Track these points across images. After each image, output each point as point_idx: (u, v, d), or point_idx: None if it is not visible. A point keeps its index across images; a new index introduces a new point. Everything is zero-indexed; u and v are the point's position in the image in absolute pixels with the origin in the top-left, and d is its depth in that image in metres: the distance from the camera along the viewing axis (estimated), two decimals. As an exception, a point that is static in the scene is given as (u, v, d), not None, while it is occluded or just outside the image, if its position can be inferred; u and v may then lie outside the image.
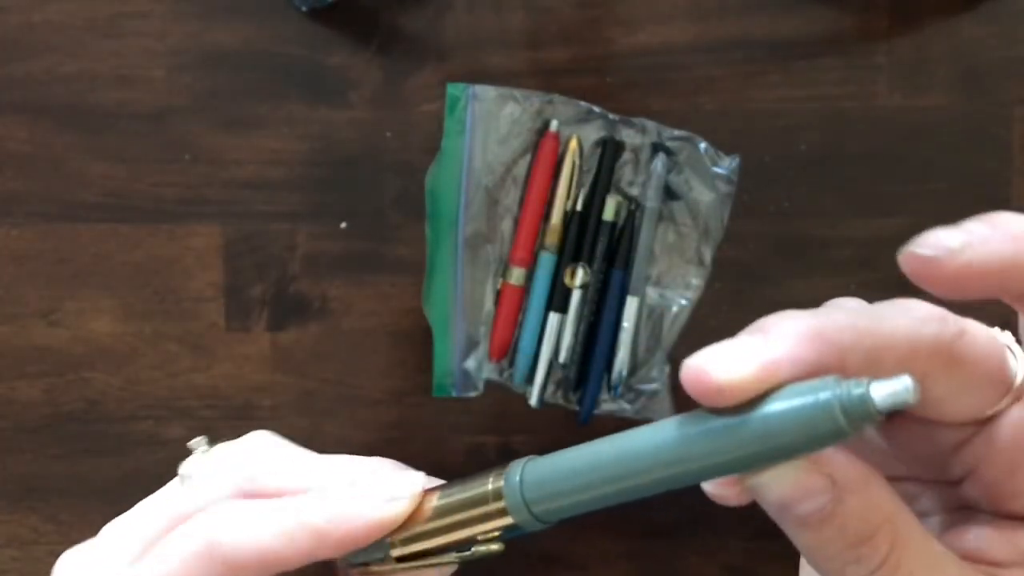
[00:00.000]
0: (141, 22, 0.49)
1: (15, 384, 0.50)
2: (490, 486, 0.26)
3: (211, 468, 0.29)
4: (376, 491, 0.26)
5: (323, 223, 0.49)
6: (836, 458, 0.22)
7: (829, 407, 0.21)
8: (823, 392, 0.21)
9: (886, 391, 0.20)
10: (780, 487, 0.22)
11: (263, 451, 0.30)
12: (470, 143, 0.48)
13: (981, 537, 0.24)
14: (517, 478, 0.25)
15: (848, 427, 0.21)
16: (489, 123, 0.47)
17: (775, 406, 0.21)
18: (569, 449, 0.25)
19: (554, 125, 0.48)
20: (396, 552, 0.27)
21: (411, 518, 0.26)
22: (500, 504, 0.25)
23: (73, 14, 0.49)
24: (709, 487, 0.25)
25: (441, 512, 0.26)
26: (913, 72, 0.49)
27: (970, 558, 0.24)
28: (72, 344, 0.49)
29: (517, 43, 0.48)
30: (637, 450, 0.24)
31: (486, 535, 0.26)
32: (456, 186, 0.48)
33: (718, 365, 0.22)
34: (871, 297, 0.25)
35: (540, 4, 0.48)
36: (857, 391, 0.21)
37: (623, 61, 0.48)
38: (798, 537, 0.23)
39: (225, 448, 0.30)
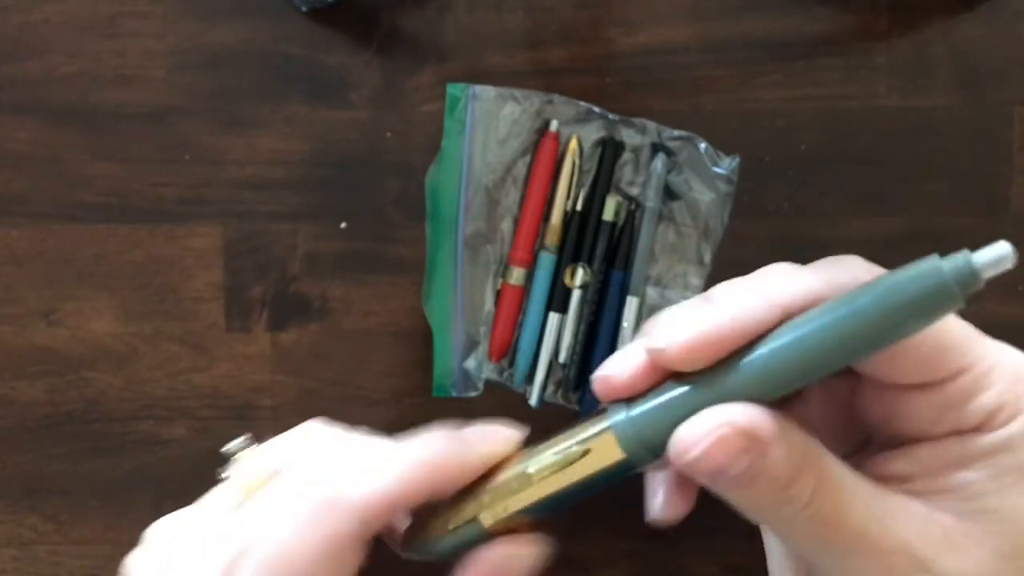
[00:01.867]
0: (141, 22, 0.49)
1: (15, 384, 0.50)
2: (592, 430, 0.27)
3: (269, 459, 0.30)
4: (480, 432, 0.29)
5: (323, 223, 0.49)
6: (754, 416, 0.24)
7: (939, 275, 0.23)
8: (930, 265, 0.23)
9: (988, 256, 0.23)
10: (712, 456, 0.24)
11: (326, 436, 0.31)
12: (470, 143, 0.48)
13: (888, 460, 0.27)
14: (624, 414, 0.26)
15: (959, 292, 0.23)
16: (489, 123, 0.47)
17: (889, 280, 0.24)
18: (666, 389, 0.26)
19: (554, 125, 0.48)
20: (489, 524, 0.27)
21: (502, 483, 0.28)
22: (607, 441, 0.27)
23: (73, 14, 0.49)
24: (657, 513, 0.28)
25: (537, 464, 0.27)
26: (913, 72, 0.49)
27: (881, 479, 0.26)
28: (72, 344, 0.49)
29: (517, 43, 0.48)
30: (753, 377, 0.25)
31: (590, 478, 0.27)
32: (456, 186, 0.48)
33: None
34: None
35: (540, 4, 0.48)
36: (963, 259, 0.23)
37: (623, 61, 0.48)
38: (734, 496, 0.25)
39: (280, 440, 0.31)
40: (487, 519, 0.27)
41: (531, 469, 0.27)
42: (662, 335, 0.26)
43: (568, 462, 0.27)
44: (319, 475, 0.28)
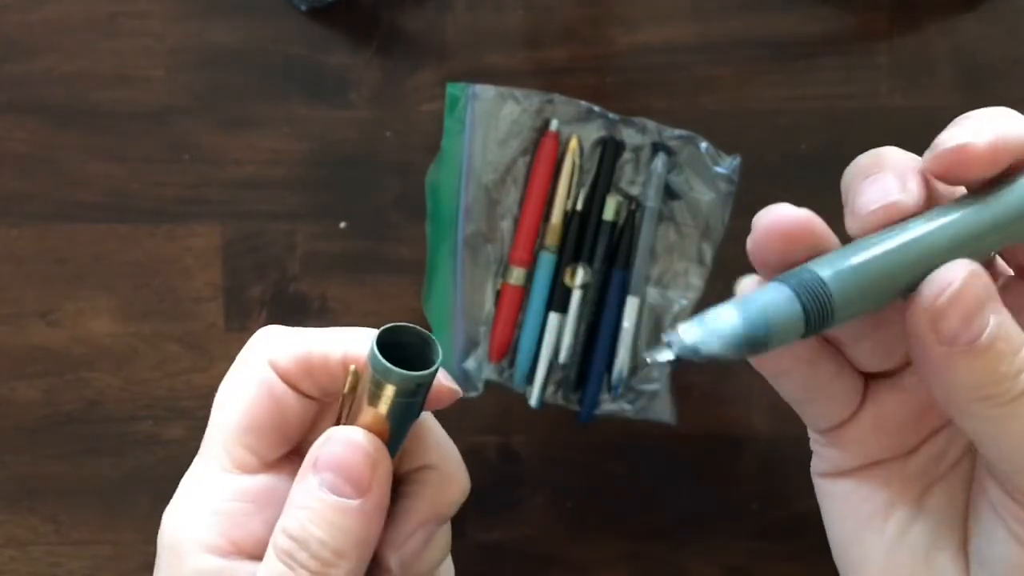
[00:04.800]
0: (140, 22, 0.49)
1: (14, 384, 0.50)
2: None
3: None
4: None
5: (323, 223, 0.49)
6: (985, 277, 0.23)
7: None
8: None
9: None
10: (966, 302, 0.22)
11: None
12: (470, 143, 0.47)
13: None
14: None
15: None
16: (489, 123, 0.47)
17: None
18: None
19: (554, 125, 0.48)
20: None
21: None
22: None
23: (72, 14, 0.49)
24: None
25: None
26: (914, 72, 0.48)
27: None
28: (71, 344, 0.49)
29: (517, 42, 0.48)
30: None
31: None
32: (456, 186, 0.48)
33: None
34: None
35: (540, 3, 0.48)
36: None
37: (623, 60, 0.48)
38: (973, 366, 0.23)
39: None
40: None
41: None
42: (960, 135, 0.24)
43: None
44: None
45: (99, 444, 0.50)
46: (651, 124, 0.47)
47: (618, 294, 0.48)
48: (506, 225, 0.48)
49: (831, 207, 0.52)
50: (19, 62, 0.49)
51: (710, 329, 0.23)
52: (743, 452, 0.49)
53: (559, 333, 0.48)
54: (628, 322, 0.48)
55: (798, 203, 0.54)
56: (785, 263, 0.25)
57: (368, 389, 0.25)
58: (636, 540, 0.50)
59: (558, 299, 0.48)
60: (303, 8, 0.48)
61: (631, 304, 0.48)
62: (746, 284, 0.26)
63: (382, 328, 0.25)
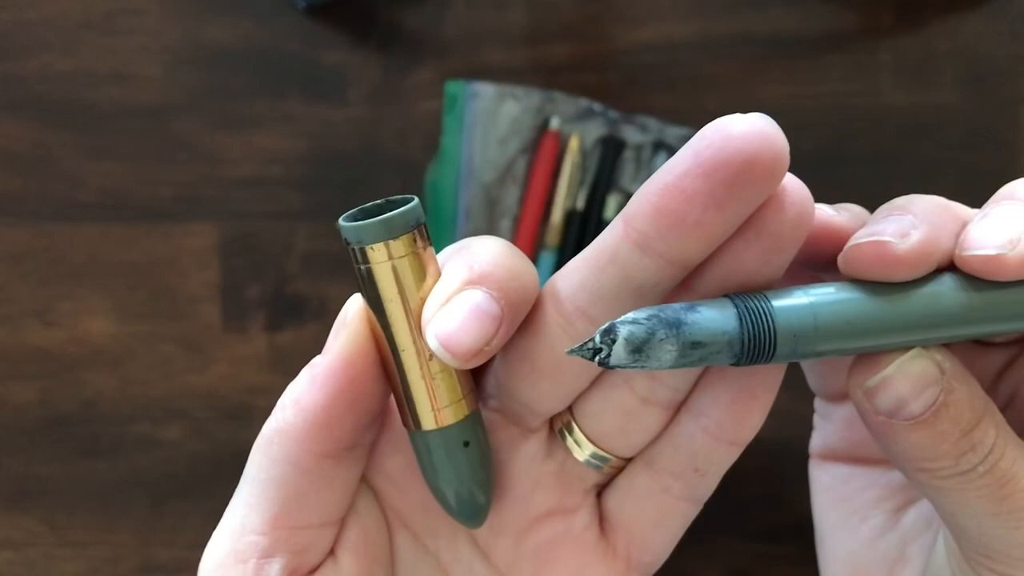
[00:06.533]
0: (137, 19, 0.48)
1: (9, 385, 0.49)
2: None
3: None
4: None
5: (321, 222, 0.49)
6: (941, 351, 0.22)
7: None
8: None
9: None
10: (900, 383, 0.22)
11: None
12: (469, 141, 0.47)
13: None
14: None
15: None
16: (489, 121, 0.47)
17: None
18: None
19: (555, 123, 0.47)
20: None
21: None
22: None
23: (68, 11, 0.48)
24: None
25: None
26: (917, 70, 0.48)
27: None
28: (67, 345, 0.49)
29: (517, 40, 0.48)
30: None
31: None
32: (455, 185, 0.47)
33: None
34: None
35: (540, 0, 0.48)
36: None
37: (625, 58, 0.48)
38: (910, 440, 0.22)
39: None
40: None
41: None
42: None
43: None
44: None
45: (95, 445, 0.50)
46: (653, 122, 0.47)
47: (619, 294, 0.48)
48: (506, 224, 0.48)
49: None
50: (13, 60, 0.48)
51: (643, 359, 0.20)
52: (745, 454, 0.49)
53: (559, 333, 0.48)
54: (629, 322, 0.48)
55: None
56: (806, 263, 0.23)
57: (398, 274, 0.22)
58: (637, 542, 0.50)
59: (558, 299, 0.48)
60: (301, 6, 0.48)
61: (632, 304, 0.48)
62: None
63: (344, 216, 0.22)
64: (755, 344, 0.21)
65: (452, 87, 0.47)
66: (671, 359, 0.20)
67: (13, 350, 0.49)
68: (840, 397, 0.28)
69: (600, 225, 0.48)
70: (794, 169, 0.24)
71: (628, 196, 0.48)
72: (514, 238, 0.48)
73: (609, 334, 0.20)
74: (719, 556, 0.49)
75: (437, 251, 0.24)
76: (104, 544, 0.50)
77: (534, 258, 0.48)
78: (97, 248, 0.49)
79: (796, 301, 0.21)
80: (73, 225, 0.49)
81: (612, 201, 0.47)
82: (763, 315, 0.21)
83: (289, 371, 0.52)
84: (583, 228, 0.48)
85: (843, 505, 0.28)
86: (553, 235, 0.48)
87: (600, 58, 0.48)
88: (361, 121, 0.49)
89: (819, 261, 0.23)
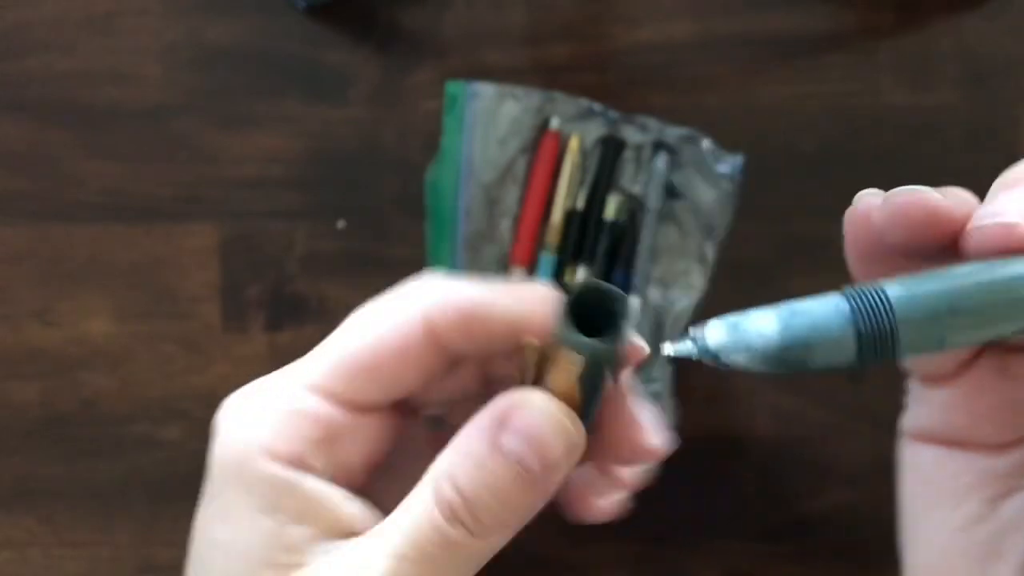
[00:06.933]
0: (137, 19, 0.48)
1: (9, 385, 0.49)
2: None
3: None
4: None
5: (321, 222, 0.49)
6: None
7: None
8: None
9: None
10: None
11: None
12: (469, 141, 0.47)
13: None
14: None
15: None
16: (489, 121, 0.47)
17: None
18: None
19: (555, 123, 0.47)
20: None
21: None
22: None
23: (68, 11, 0.48)
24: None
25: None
26: (918, 70, 0.48)
27: None
28: (67, 345, 0.49)
29: (517, 40, 0.48)
30: None
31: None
32: (456, 185, 0.47)
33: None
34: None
35: (540, 0, 0.48)
36: None
37: (625, 58, 0.48)
38: None
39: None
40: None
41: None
42: None
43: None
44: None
45: (95, 445, 0.49)
46: (652, 122, 0.47)
47: (619, 294, 0.48)
48: (506, 225, 0.48)
49: (834, 205, 0.52)
50: (14, 59, 0.48)
51: (740, 336, 0.20)
52: (745, 454, 0.49)
53: (559, 333, 0.48)
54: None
55: (800, 202, 0.54)
56: (910, 250, 0.22)
57: (553, 358, 0.23)
58: (636, 543, 0.49)
59: (558, 299, 0.48)
60: (301, 6, 0.48)
61: (632, 304, 0.48)
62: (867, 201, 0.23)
63: (569, 291, 0.22)
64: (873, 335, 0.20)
65: (452, 87, 0.47)
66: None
67: (13, 350, 0.49)
68: (940, 380, 0.27)
69: (600, 225, 0.48)
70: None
71: (628, 196, 0.48)
72: (514, 238, 0.48)
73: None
74: (719, 556, 0.49)
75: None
76: (104, 544, 0.50)
77: (534, 258, 0.48)
78: (97, 248, 0.49)
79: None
80: (73, 225, 0.49)
81: (612, 201, 0.47)
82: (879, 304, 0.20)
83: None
84: (583, 228, 0.48)
85: (935, 489, 0.26)
86: (553, 235, 0.48)
87: (600, 58, 0.48)
88: (361, 121, 0.48)
89: (927, 249, 0.22)
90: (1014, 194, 0.22)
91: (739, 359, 0.20)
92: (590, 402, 0.23)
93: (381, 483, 0.26)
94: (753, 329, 0.20)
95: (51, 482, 0.50)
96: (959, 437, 0.26)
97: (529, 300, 0.24)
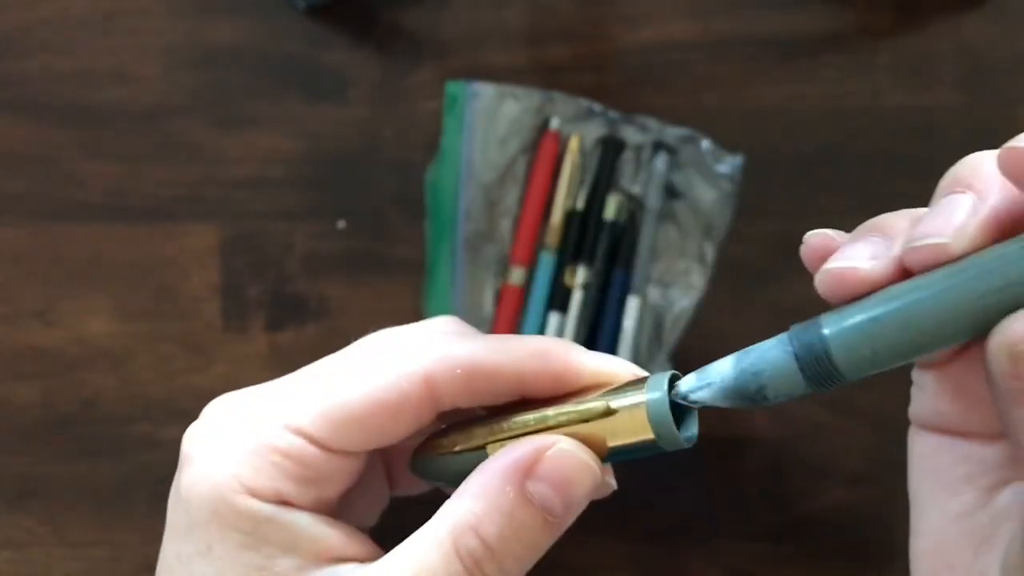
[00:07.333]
0: (138, 19, 0.48)
1: (10, 385, 0.49)
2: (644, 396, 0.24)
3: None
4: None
5: (321, 222, 0.49)
6: None
7: None
8: None
9: None
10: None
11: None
12: (469, 141, 0.47)
13: None
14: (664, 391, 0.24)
15: None
16: (488, 121, 0.47)
17: None
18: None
19: (554, 123, 0.47)
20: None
21: (520, 420, 0.25)
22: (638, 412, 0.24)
23: (69, 11, 0.48)
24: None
25: (573, 408, 0.25)
26: (917, 70, 0.48)
27: None
28: (68, 345, 0.49)
29: (517, 40, 0.48)
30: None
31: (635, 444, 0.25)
32: (456, 185, 0.47)
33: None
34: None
35: (540, 1, 0.48)
36: None
37: (624, 58, 0.48)
38: None
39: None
40: (492, 449, 0.25)
41: (551, 411, 0.25)
42: (934, 231, 0.23)
43: (588, 415, 0.24)
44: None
45: (96, 445, 0.49)
46: (652, 122, 0.47)
47: (619, 294, 0.48)
48: (506, 225, 0.48)
49: (833, 205, 0.52)
50: (14, 59, 0.48)
51: (703, 376, 0.23)
52: (746, 454, 0.49)
53: (560, 333, 0.48)
54: (629, 322, 0.48)
55: (800, 202, 0.54)
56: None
57: (607, 423, 0.24)
58: (638, 543, 0.49)
59: (559, 299, 0.48)
60: (301, 6, 0.48)
61: (632, 304, 0.48)
62: (814, 242, 0.26)
63: (659, 382, 0.24)
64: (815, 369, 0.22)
65: (452, 87, 0.47)
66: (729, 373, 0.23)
67: (13, 350, 0.49)
68: (933, 365, 0.27)
69: (600, 225, 0.48)
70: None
71: (628, 196, 0.48)
72: (514, 238, 0.48)
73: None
74: (720, 556, 0.49)
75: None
76: (104, 544, 0.50)
77: (534, 258, 0.48)
78: (98, 248, 0.49)
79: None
80: (73, 225, 0.49)
81: (612, 201, 0.47)
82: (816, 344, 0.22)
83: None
84: (583, 228, 0.48)
85: (935, 477, 0.27)
86: (553, 235, 0.48)
87: (600, 59, 0.48)
88: (361, 121, 0.48)
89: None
90: (943, 208, 0.23)
91: (703, 395, 0.23)
92: (617, 459, 0.25)
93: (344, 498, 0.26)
94: (713, 370, 0.23)
95: (51, 482, 0.50)
96: (953, 426, 0.26)
97: (530, 355, 0.25)
